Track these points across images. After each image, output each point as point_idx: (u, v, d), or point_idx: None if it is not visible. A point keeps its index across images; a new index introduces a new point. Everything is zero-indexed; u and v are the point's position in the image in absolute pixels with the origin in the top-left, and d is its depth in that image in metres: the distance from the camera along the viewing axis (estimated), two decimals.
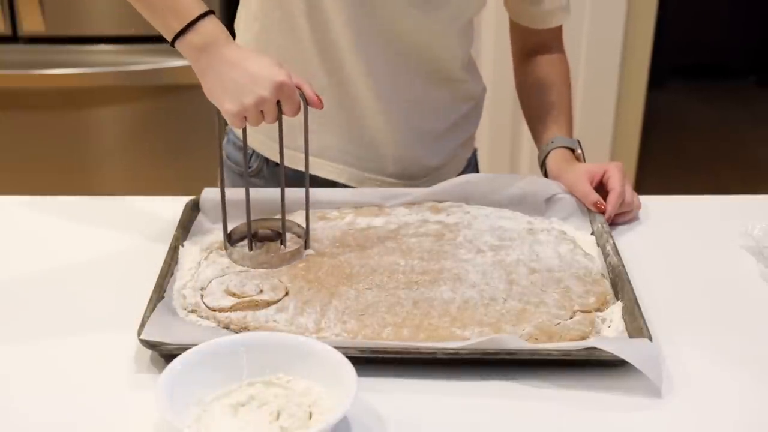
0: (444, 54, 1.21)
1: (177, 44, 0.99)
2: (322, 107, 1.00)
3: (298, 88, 0.98)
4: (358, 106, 1.19)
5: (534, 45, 1.29)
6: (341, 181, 1.24)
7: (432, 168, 1.27)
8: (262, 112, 0.97)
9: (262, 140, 1.25)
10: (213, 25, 0.99)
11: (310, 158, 1.20)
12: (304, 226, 1.06)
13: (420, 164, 1.25)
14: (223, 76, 0.96)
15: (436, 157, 1.26)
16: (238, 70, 0.96)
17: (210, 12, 0.99)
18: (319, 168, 1.23)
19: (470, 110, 1.30)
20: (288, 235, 1.06)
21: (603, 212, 1.11)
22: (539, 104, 1.28)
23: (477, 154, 1.40)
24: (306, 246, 1.05)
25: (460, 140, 1.30)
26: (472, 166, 1.36)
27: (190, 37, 0.98)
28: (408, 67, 1.19)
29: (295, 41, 1.16)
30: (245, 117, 0.97)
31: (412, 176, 1.26)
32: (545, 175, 1.22)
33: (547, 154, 1.22)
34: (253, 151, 1.27)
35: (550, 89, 1.28)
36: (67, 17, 2.20)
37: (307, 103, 0.99)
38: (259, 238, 1.07)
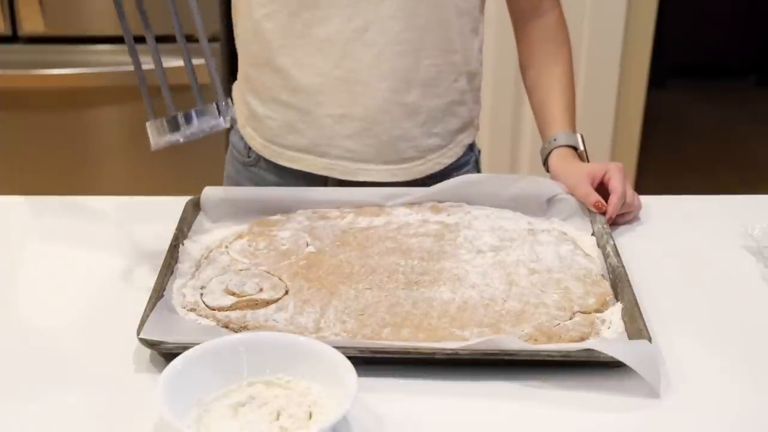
0: (430, 23, 1.18)
1: None
2: None
3: None
4: (350, 86, 1.19)
5: (527, 7, 1.28)
6: (334, 175, 1.24)
7: (428, 149, 1.25)
8: None
9: (262, 143, 1.27)
10: None
11: (301, 155, 1.24)
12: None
13: (415, 146, 1.24)
14: None
15: (432, 138, 1.25)
16: None
17: None
18: (310, 164, 1.24)
19: (466, 89, 1.27)
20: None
21: (604, 212, 1.11)
22: (541, 94, 1.27)
23: (480, 155, 1.39)
24: (219, 112, 0.92)
25: (457, 123, 1.28)
26: (472, 164, 1.35)
27: None
28: (400, 39, 1.17)
29: (285, 33, 1.17)
30: None
31: (408, 159, 1.24)
32: (547, 171, 1.22)
33: (550, 152, 1.21)
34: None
35: (551, 76, 1.26)
36: (67, 17, 2.20)
37: None
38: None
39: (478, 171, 1.38)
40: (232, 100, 0.94)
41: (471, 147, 1.33)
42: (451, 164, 1.29)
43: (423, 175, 1.26)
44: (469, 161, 1.33)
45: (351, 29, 1.15)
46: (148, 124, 0.93)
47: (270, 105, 1.23)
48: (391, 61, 1.17)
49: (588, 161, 1.21)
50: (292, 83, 1.19)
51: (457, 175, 1.29)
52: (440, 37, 1.20)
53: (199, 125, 0.91)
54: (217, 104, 0.91)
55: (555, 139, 1.21)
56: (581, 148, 1.21)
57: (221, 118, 0.92)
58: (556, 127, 1.23)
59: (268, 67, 1.21)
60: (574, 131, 1.23)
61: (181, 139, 0.91)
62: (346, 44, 1.16)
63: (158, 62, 0.94)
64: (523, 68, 1.31)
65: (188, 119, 0.91)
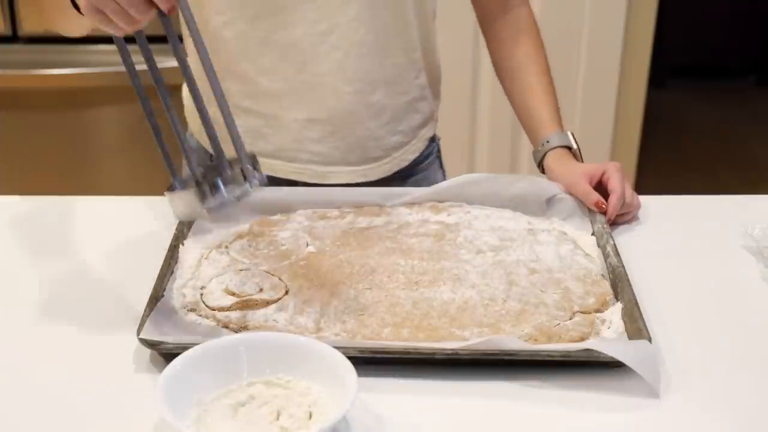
0: (393, 23, 1.18)
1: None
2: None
3: None
4: (315, 89, 1.18)
5: (495, 3, 1.27)
6: (303, 179, 1.24)
7: (392, 147, 1.26)
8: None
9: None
10: None
11: (269, 160, 1.21)
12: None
13: (381, 145, 1.25)
14: None
15: (396, 135, 1.26)
16: None
17: None
18: (278, 170, 1.23)
19: (426, 84, 1.28)
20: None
21: (604, 212, 1.11)
22: (523, 96, 1.26)
23: (440, 143, 1.39)
24: (245, 178, 0.84)
25: (419, 119, 1.29)
26: (435, 154, 1.36)
27: None
28: (364, 41, 1.17)
29: (247, 40, 1.16)
30: (104, 13, 0.82)
31: (375, 159, 1.25)
32: (543, 173, 1.22)
33: (544, 154, 1.21)
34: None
35: (529, 78, 1.25)
36: None
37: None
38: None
39: (440, 161, 1.39)
40: (257, 160, 0.86)
41: (432, 139, 1.34)
42: (415, 159, 1.30)
43: (390, 173, 1.27)
44: (431, 153, 1.35)
45: (316, 33, 1.15)
46: (169, 194, 0.88)
47: (233, 112, 1.22)
48: (355, 64, 1.17)
49: (581, 157, 1.21)
50: (255, 90, 1.19)
51: (422, 169, 1.32)
52: (402, 37, 1.21)
53: (226, 195, 0.84)
54: (242, 169, 0.84)
55: (548, 141, 1.21)
56: (574, 146, 1.21)
57: (247, 183, 0.84)
58: (546, 129, 1.22)
59: (228, 75, 1.19)
60: (563, 130, 1.23)
61: (207, 212, 0.85)
62: (311, 48, 1.15)
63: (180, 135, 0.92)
64: (499, 69, 1.30)
65: (214, 189, 0.83)
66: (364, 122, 1.22)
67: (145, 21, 0.84)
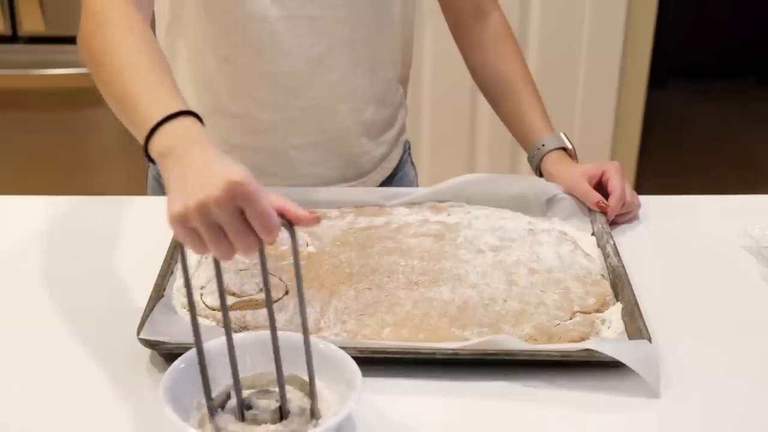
0: (383, 38, 1.19)
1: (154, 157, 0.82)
2: (318, 221, 0.76)
3: (282, 216, 0.75)
4: (313, 113, 1.18)
5: (471, 9, 1.27)
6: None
7: (380, 158, 1.28)
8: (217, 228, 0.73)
9: None
10: (181, 126, 0.82)
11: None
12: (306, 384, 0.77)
13: (371, 158, 1.26)
14: (179, 179, 0.75)
15: (381, 146, 1.27)
16: (195, 170, 0.75)
17: (179, 114, 0.82)
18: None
19: (401, 91, 1.30)
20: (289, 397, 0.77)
21: (605, 211, 1.11)
22: (511, 103, 1.26)
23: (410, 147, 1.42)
24: (313, 414, 0.75)
25: (398, 127, 1.31)
26: (407, 156, 1.38)
27: (153, 144, 0.81)
28: (359, 58, 1.17)
29: (247, 74, 1.15)
30: (191, 229, 0.73)
31: (366, 172, 1.27)
32: (540, 176, 1.22)
33: (541, 158, 1.21)
34: None
35: (515, 84, 1.25)
36: (67, 17, 2.20)
37: (291, 224, 0.74)
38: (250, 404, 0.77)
39: (412, 161, 1.41)
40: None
41: (405, 141, 1.37)
42: (396, 165, 1.33)
43: (378, 182, 1.29)
44: (405, 153, 1.37)
45: (313, 57, 1.14)
46: None
47: (233, 153, 1.19)
48: (350, 83, 1.18)
49: (576, 156, 1.21)
50: (253, 125, 1.17)
51: (399, 169, 1.34)
52: (390, 50, 1.22)
53: None
54: None
55: (543, 146, 1.20)
56: (569, 146, 1.21)
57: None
58: (539, 133, 1.22)
59: (224, 113, 1.17)
60: (554, 132, 1.22)
61: None
62: (308, 74, 1.15)
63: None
64: (478, 75, 1.30)
65: None
66: (358, 138, 1.23)
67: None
